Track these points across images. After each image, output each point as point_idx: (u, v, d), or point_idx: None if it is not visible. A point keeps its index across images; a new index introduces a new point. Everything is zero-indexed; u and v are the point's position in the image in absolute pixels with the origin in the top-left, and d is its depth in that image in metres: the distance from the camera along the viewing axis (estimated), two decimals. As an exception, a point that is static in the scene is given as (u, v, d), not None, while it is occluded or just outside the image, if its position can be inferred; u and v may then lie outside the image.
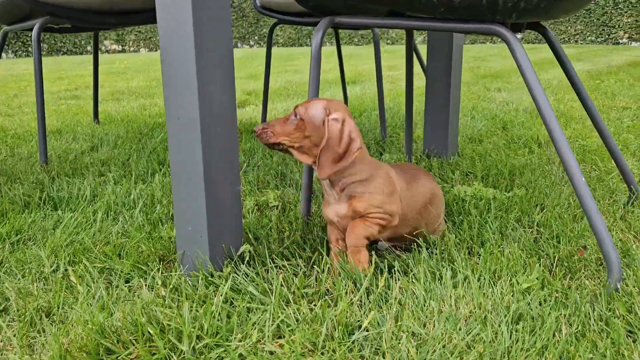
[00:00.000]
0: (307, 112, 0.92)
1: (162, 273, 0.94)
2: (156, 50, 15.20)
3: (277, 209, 1.26)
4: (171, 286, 0.89)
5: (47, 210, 1.26)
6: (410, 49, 1.52)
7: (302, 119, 0.91)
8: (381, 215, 0.93)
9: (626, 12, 11.92)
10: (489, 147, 1.81)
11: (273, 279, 0.90)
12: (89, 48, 14.16)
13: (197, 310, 0.81)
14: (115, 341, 0.75)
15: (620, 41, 12.06)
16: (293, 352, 0.71)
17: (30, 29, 1.78)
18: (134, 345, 0.75)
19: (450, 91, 1.64)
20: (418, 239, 1.01)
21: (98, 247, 1.05)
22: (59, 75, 5.57)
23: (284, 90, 3.79)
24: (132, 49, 15.10)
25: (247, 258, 0.96)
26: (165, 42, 0.87)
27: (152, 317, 0.79)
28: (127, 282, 0.94)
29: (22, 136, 2.16)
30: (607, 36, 12.24)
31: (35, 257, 1.01)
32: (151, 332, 0.75)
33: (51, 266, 0.98)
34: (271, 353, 0.73)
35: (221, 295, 0.84)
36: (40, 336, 0.79)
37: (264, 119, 2.32)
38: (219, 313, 0.79)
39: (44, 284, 0.93)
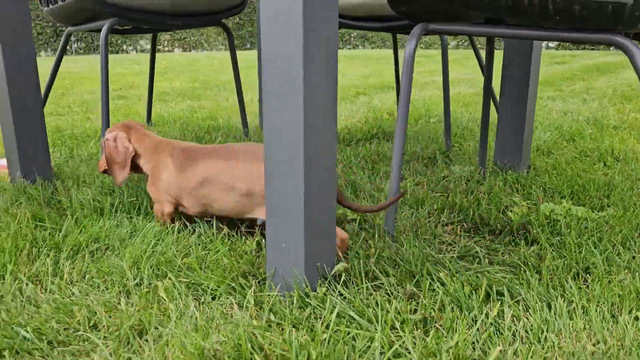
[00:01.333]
0: (104, 142, 1.20)
1: (253, 291, 0.89)
2: (190, 51, 15.35)
3: (355, 222, 1.20)
4: (265, 306, 0.84)
5: (121, 217, 1.23)
6: (491, 56, 1.45)
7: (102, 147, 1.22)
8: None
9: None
10: (561, 161, 1.72)
11: (370, 301, 0.84)
12: (124, 47, 14.37)
13: (302, 336, 0.75)
14: (217, 366, 0.71)
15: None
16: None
17: (95, 30, 1.77)
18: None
19: (528, 100, 1.57)
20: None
21: (180, 259, 1.01)
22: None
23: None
24: (166, 48, 15.27)
25: (343, 278, 0.91)
26: (267, 44, 0.82)
27: (254, 341, 0.74)
28: (213, 298, 0.90)
29: (78, 137, 2.16)
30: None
31: (117, 269, 0.98)
32: (257, 358, 0.70)
33: (134, 278, 0.95)
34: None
35: (325, 320, 0.79)
36: (136, 356, 0.75)
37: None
38: (328, 340, 0.74)
39: (127, 297, 0.90)
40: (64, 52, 1.91)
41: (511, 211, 1.23)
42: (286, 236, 0.87)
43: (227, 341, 0.74)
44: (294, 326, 0.79)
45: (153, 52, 2.24)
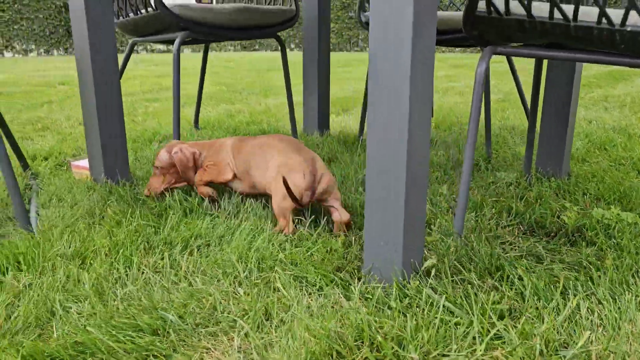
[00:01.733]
0: (160, 161, 1.45)
1: (356, 284, 1.02)
2: (199, 52, 15.49)
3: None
4: (369, 296, 0.96)
5: (210, 217, 1.36)
6: (539, 77, 1.57)
7: (162, 167, 1.45)
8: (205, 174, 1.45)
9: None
10: (597, 168, 1.85)
11: (458, 292, 0.97)
12: (136, 48, 14.52)
13: (412, 320, 0.88)
14: (342, 346, 0.83)
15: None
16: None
17: (160, 42, 1.89)
18: (359, 350, 0.82)
19: (570, 109, 1.69)
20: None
21: (280, 254, 1.14)
22: (125, 75, 5.76)
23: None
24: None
25: (432, 272, 1.03)
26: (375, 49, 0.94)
27: (371, 324, 0.87)
28: (318, 289, 1.02)
29: (136, 139, 2.29)
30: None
31: (227, 262, 1.10)
32: (379, 339, 0.83)
33: (243, 271, 1.07)
34: (493, 364, 0.80)
35: (420, 308, 0.91)
36: (268, 335, 0.87)
37: (362, 121, 2.40)
38: (434, 324, 0.87)
39: (239, 287, 1.02)
40: (127, 61, 2.03)
41: (565, 215, 1.35)
42: (386, 234, 0.99)
43: (349, 325, 0.87)
44: (401, 312, 0.91)
45: (205, 58, 2.37)
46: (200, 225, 1.26)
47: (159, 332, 0.87)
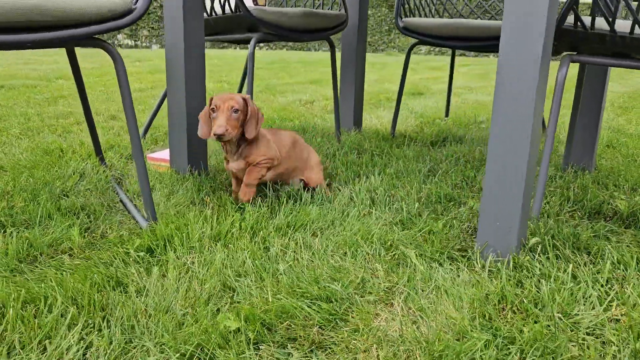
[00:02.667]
0: (239, 104, 1.42)
1: (476, 259, 1.18)
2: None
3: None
4: (492, 269, 1.13)
5: (304, 206, 1.49)
6: (582, 78, 1.78)
7: (240, 110, 1.42)
8: (266, 160, 1.49)
9: None
10: (615, 164, 2.07)
11: (561, 265, 1.15)
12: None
13: (547, 286, 1.05)
14: (492, 309, 0.99)
15: None
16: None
17: (228, 41, 2.00)
18: (504, 311, 0.99)
19: (601, 108, 1.90)
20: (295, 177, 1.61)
21: (393, 235, 1.29)
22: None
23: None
24: (144, 44, 15.20)
25: (539, 249, 1.21)
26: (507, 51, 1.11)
27: (506, 292, 1.03)
28: (439, 264, 1.18)
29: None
30: None
31: (353, 242, 1.24)
32: (524, 302, 0.99)
33: (370, 249, 1.22)
34: (617, 321, 0.98)
35: (551, 277, 1.08)
36: (421, 300, 1.02)
37: (395, 119, 2.56)
38: (562, 289, 1.04)
39: (374, 264, 1.16)
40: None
41: (618, 201, 1.56)
42: (502, 217, 1.16)
43: (493, 292, 1.03)
44: (538, 280, 1.08)
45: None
46: (312, 212, 1.39)
47: (331, 300, 1.01)
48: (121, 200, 1.54)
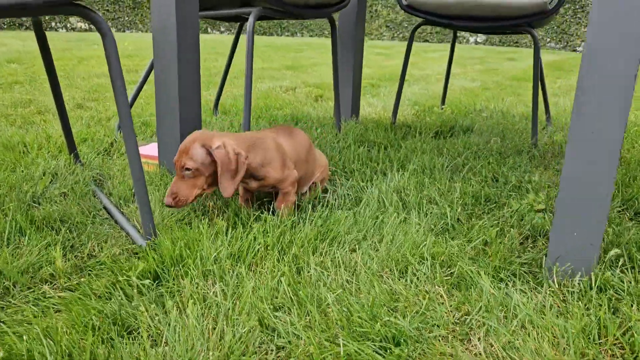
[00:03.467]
0: (195, 160, 1.08)
1: (546, 276, 0.99)
2: (124, 31, 14.67)
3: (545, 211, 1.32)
4: (568, 287, 0.95)
5: (340, 210, 1.27)
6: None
7: (197, 169, 1.09)
8: (291, 184, 1.22)
9: None
10: (629, 156, 1.94)
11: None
12: (53, 24, 13.50)
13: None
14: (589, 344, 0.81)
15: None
16: None
17: (219, 18, 1.75)
18: (604, 344, 0.81)
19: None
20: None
21: (445, 248, 1.09)
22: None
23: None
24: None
25: (620, 263, 1.03)
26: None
27: (608, 322, 0.85)
28: (500, 280, 0.99)
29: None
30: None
31: (393, 257, 1.04)
32: (636, 334, 0.81)
33: (420, 266, 1.02)
34: None
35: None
36: (506, 337, 0.83)
37: (396, 107, 2.36)
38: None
39: (435, 286, 0.97)
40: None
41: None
42: (583, 224, 0.97)
43: (587, 322, 0.85)
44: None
45: (236, 39, 2.22)
46: (342, 220, 1.18)
47: (398, 340, 0.80)
48: (105, 207, 1.28)
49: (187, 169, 1.09)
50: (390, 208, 1.29)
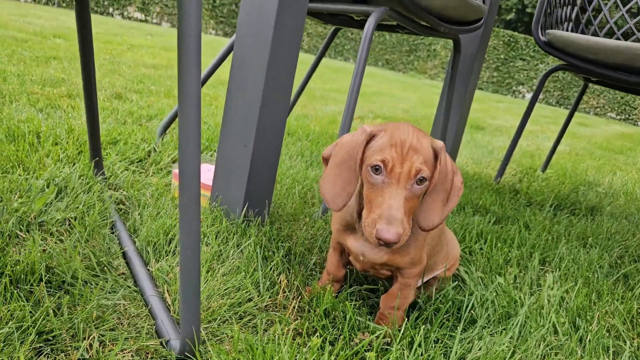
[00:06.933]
0: (429, 166, 0.67)
1: None
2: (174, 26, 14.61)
3: None
4: None
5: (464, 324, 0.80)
6: None
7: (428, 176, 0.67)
8: (419, 272, 0.77)
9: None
10: None
11: None
12: (110, 10, 13.50)
13: None
14: None
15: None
16: None
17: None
18: None
19: None
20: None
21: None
22: (136, 42, 5.00)
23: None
24: (154, 20, 14.41)
25: None
26: None
27: None
28: None
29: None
30: None
31: None
32: None
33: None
34: None
35: None
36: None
37: (504, 165, 1.88)
38: None
39: None
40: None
41: None
42: None
43: None
44: None
45: (325, 49, 1.78)
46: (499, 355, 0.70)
47: None
48: (124, 255, 0.84)
49: (423, 179, 0.66)
50: (563, 338, 0.80)
